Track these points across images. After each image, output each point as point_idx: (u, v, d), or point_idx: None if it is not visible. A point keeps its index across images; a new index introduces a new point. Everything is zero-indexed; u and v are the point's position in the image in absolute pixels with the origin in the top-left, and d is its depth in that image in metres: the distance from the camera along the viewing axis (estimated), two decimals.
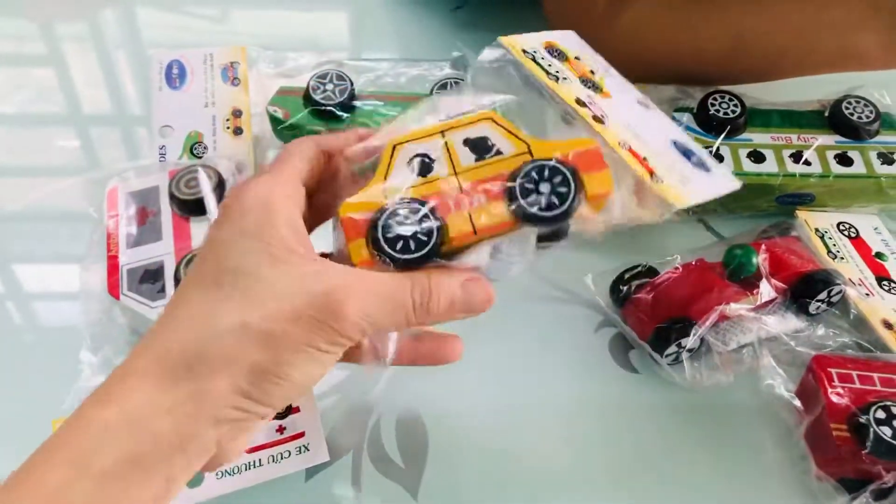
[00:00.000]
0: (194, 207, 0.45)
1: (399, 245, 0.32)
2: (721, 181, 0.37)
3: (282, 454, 0.40)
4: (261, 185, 0.33)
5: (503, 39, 0.42)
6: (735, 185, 0.37)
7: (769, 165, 0.52)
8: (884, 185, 0.52)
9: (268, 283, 0.31)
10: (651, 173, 0.36)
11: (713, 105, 0.54)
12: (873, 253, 0.51)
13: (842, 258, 0.49)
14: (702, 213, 0.53)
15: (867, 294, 0.47)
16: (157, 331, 0.31)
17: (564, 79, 0.39)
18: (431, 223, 0.33)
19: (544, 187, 0.33)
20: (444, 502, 0.41)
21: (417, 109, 0.36)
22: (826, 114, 0.54)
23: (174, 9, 0.70)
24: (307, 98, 0.53)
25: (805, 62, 0.54)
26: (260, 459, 0.40)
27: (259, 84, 0.56)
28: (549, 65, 0.40)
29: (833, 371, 0.42)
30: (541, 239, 0.35)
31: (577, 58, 0.41)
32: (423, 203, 0.33)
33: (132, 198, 0.47)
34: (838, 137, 0.53)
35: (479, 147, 0.34)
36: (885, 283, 0.49)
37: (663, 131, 0.38)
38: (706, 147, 0.52)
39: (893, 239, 0.52)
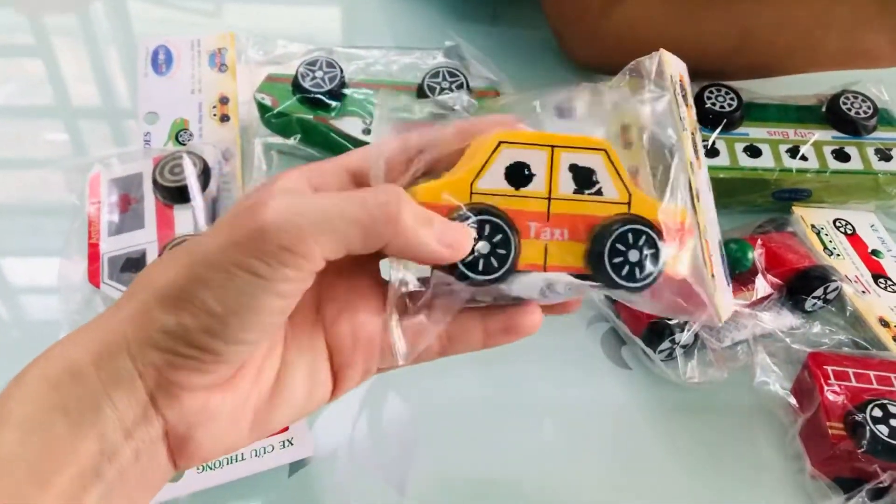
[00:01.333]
0: (178, 195, 0.44)
1: (469, 258, 0.29)
2: (726, 302, 0.33)
3: (265, 448, 0.39)
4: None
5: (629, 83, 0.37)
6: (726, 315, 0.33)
7: (765, 160, 0.51)
8: (881, 182, 0.51)
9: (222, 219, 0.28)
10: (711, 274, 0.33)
11: (709, 98, 0.53)
12: (869, 250, 0.50)
13: (838, 255, 0.49)
14: None
15: (863, 291, 0.47)
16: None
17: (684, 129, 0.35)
18: (509, 252, 0.30)
19: (633, 255, 0.31)
20: (432, 498, 0.40)
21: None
22: (823, 109, 0.54)
23: (165, 1, 0.69)
24: (296, 85, 0.52)
25: (812, 59, 0.54)
26: (242, 454, 0.39)
27: (247, 71, 0.55)
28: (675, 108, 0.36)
29: (829, 369, 0.41)
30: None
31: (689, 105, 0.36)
32: (510, 227, 0.30)
33: (114, 185, 0.45)
34: (835, 133, 0.53)
35: (583, 179, 0.32)
36: (881, 280, 0.48)
37: (714, 222, 0.34)
38: (702, 141, 0.51)
39: (890, 236, 0.51)
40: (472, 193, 0.30)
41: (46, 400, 0.26)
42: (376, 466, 0.41)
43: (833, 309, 0.47)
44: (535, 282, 0.31)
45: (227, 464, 0.38)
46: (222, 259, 0.26)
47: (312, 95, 0.52)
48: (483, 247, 0.30)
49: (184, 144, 0.51)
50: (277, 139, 0.53)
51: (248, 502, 0.39)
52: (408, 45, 0.57)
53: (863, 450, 0.37)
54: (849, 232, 0.51)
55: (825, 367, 0.41)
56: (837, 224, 0.51)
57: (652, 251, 0.31)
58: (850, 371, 0.41)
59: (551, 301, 0.32)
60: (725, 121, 0.52)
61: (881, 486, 0.38)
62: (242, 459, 0.38)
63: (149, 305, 0.27)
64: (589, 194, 0.32)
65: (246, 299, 0.26)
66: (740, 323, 0.44)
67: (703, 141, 0.51)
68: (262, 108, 0.52)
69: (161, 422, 0.27)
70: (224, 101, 0.54)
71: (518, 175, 0.31)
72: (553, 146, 0.32)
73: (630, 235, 0.31)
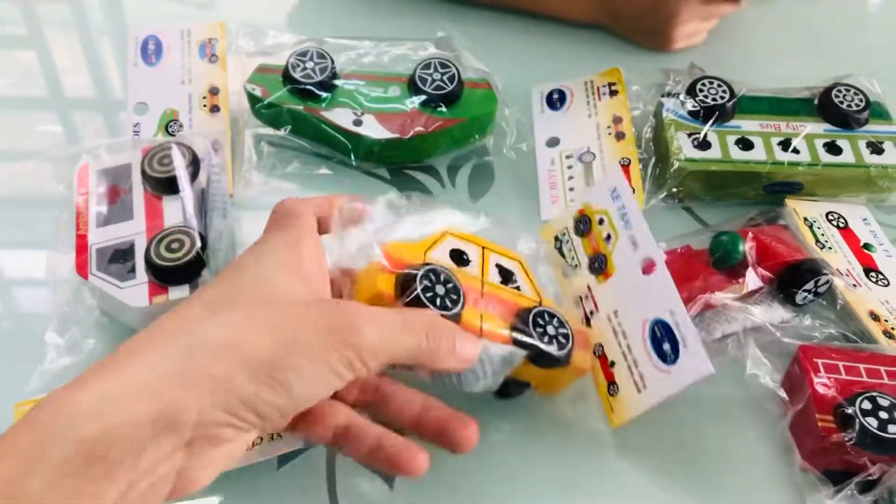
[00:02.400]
0: (167, 185, 0.43)
1: (429, 295, 0.35)
2: (684, 374, 0.38)
3: (254, 441, 0.39)
4: (289, 222, 0.35)
5: (543, 231, 0.47)
6: (701, 374, 0.38)
7: (757, 153, 0.51)
8: (873, 175, 0.51)
9: (297, 293, 0.32)
10: (611, 382, 0.41)
11: (701, 91, 0.53)
12: (861, 244, 0.50)
13: (830, 248, 0.49)
14: (688, 200, 0.52)
15: (854, 285, 0.47)
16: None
17: (576, 266, 0.45)
18: (459, 298, 0.36)
19: (551, 329, 0.38)
20: (421, 492, 0.40)
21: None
22: (815, 102, 0.54)
23: None
24: (286, 76, 0.52)
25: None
26: None
27: (237, 61, 0.55)
28: (570, 251, 0.45)
29: (819, 361, 0.41)
30: (504, 390, 0.39)
31: (600, 221, 0.44)
32: (458, 282, 0.37)
33: (103, 175, 0.45)
34: (827, 126, 0.53)
35: (506, 275, 0.40)
36: (872, 274, 0.48)
37: (651, 308, 0.40)
38: (693, 134, 0.51)
39: (882, 230, 0.51)
40: (425, 257, 0.38)
41: (76, 467, 0.26)
42: None
43: (824, 302, 0.47)
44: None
45: None
46: (319, 351, 0.30)
47: (303, 86, 0.51)
48: (440, 289, 0.36)
49: (173, 135, 0.51)
50: (268, 130, 0.53)
51: (237, 494, 0.39)
52: (398, 32, 0.56)
53: (852, 442, 0.37)
54: (841, 225, 0.51)
55: (815, 359, 0.41)
56: (830, 217, 0.51)
57: (564, 332, 0.39)
58: (840, 364, 0.41)
59: (479, 384, 0.37)
60: (717, 113, 0.52)
61: (870, 478, 0.38)
62: None
63: (233, 373, 0.28)
64: (511, 286, 0.40)
65: (323, 392, 0.31)
66: (731, 316, 0.44)
67: (696, 133, 0.51)
68: (253, 99, 0.52)
69: (183, 460, 0.28)
70: (214, 91, 0.53)
71: (459, 257, 0.39)
72: (483, 247, 0.40)
73: (546, 315, 0.39)
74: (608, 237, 0.43)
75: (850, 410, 0.38)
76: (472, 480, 0.40)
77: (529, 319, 0.38)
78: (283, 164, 0.53)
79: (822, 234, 0.49)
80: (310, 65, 0.52)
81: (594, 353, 0.42)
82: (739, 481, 0.41)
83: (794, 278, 0.45)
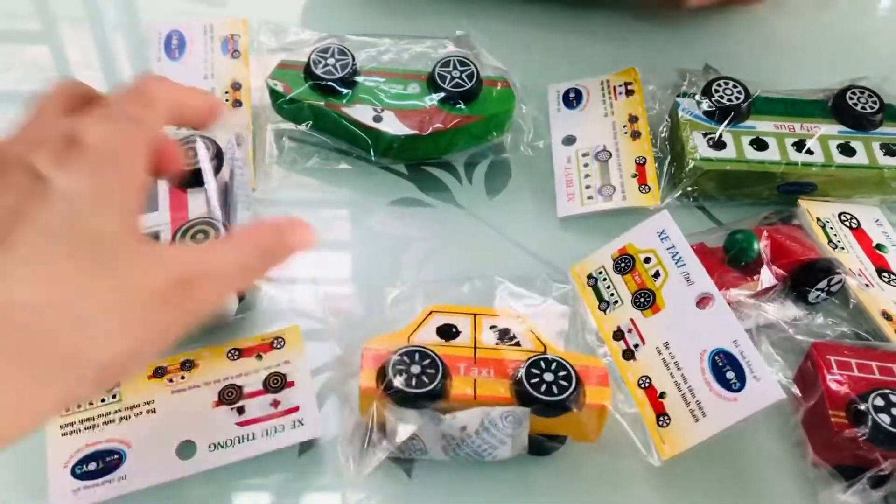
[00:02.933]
0: (191, 178, 0.44)
1: (402, 378, 0.37)
2: (754, 400, 0.39)
3: (276, 428, 0.39)
4: (118, 136, 0.30)
5: (574, 271, 0.47)
6: (773, 398, 0.38)
7: (772, 153, 0.52)
8: (886, 177, 0.51)
9: (130, 260, 0.28)
10: (661, 414, 0.40)
11: (717, 91, 0.53)
12: (874, 244, 0.50)
13: (842, 248, 0.49)
14: (702, 199, 0.53)
15: (867, 285, 0.47)
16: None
17: (616, 303, 0.45)
18: (438, 371, 0.37)
19: (548, 376, 0.38)
20: (439, 480, 0.41)
21: None
22: (829, 103, 0.54)
23: None
24: (308, 72, 0.52)
25: None
26: (253, 433, 0.39)
27: (259, 57, 0.55)
28: (608, 288, 0.45)
29: (832, 358, 0.42)
30: (539, 447, 0.40)
31: (646, 259, 0.44)
32: (436, 355, 0.38)
33: None
34: (841, 127, 0.53)
35: (502, 334, 0.41)
36: (884, 274, 0.49)
37: (711, 339, 0.41)
38: (708, 133, 0.52)
39: (894, 231, 0.52)
40: (409, 341, 0.39)
41: None
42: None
43: (836, 301, 0.47)
44: (474, 414, 0.37)
45: (239, 443, 0.39)
46: (162, 337, 0.29)
47: (324, 82, 0.52)
48: (415, 369, 0.37)
49: (195, 129, 0.52)
50: (288, 125, 0.54)
51: (258, 481, 0.40)
52: (418, 29, 0.57)
53: (865, 438, 0.38)
54: (853, 226, 0.51)
55: (828, 356, 0.42)
56: (843, 218, 0.51)
57: (564, 373, 0.38)
58: (853, 361, 0.42)
59: (500, 450, 0.38)
60: (733, 114, 0.52)
61: (882, 473, 0.38)
62: (253, 439, 0.39)
63: (80, 385, 0.27)
64: (509, 344, 0.40)
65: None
66: (744, 313, 0.45)
67: (711, 133, 0.52)
68: (275, 95, 0.53)
69: None
70: (236, 86, 0.54)
71: (447, 332, 0.40)
72: (475, 314, 0.41)
73: (542, 363, 0.38)
74: (656, 274, 0.44)
75: (863, 406, 0.39)
76: (490, 475, 0.41)
77: (523, 373, 0.38)
78: (304, 158, 0.54)
79: (835, 235, 0.50)
80: (331, 61, 0.53)
81: (639, 384, 0.41)
82: (751, 475, 0.41)
83: (807, 277, 0.46)
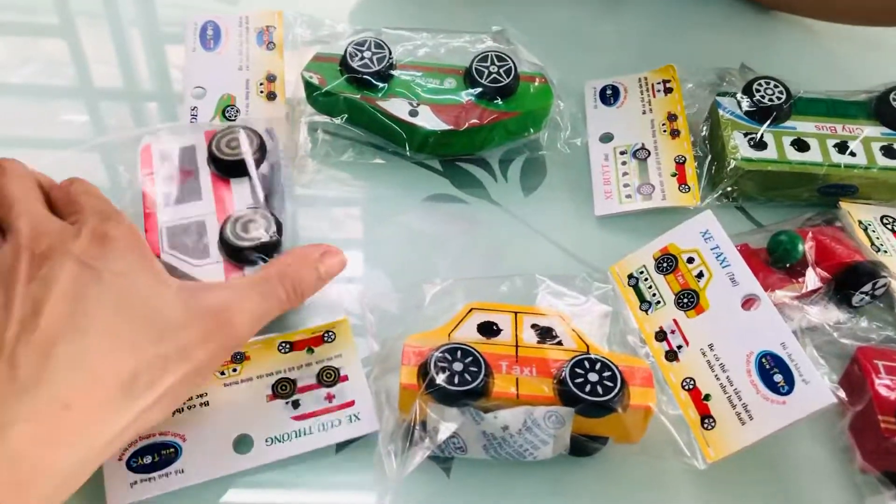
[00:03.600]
0: (234, 168, 0.44)
1: (444, 376, 0.36)
2: (803, 404, 0.38)
3: (332, 422, 0.39)
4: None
5: (614, 270, 0.46)
6: (823, 402, 0.37)
7: (813, 154, 0.51)
8: None
9: (171, 314, 0.35)
10: (705, 416, 0.39)
11: (758, 91, 0.53)
12: None
13: (885, 252, 0.48)
14: (741, 200, 0.52)
15: None
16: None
17: (658, 303, 0.44)
18: (480, 369, 0.37)
19: (592, 377, 0.37)
20: (477, 479, 0.40)
21: None
22: (872, 105, 0.53)
23: None
24: (344, 65, 0.52)
25: None
26: (310, 427, 0.39)
27: (295, 49, 0.55)
28: (650, 288, 0.44)
29: (879, 363, 0.41)
30: (580, 448, 0.39)
31: (689, 259, 0.43)
32: (478, 353, 0.37)
33: (168, 156, 0.45)
34: (885, 129, 0.52)
35: (544, 333, 0.40)
36: None
37: (758, 341, 0.40)
38: (749, 133, 0.51)
39: None
40: (449, 338, 0.39)
41: None
42: None
43: (881, 305, 0.46)
44: (517, 413, 0.37)
45: (296, 437, 0.39)
46: (208, 368, 0.36)
47: (360, 76, 0.51)
48: (457, 366, 0.37)
49: (231, 120, 0.51)
50: (322, 118, 0.53)
51: (294, 479, 0.40)
52: (455, 24, 0.56)
53: None
54: None
55: (875, 361, 0.41)
56: (885, 221, 0.50)
57: (608, 374, 0.37)
58: None
59: (542, 449, 0.38)
60: (774, 114, 0.52)
61: None
62: (310, 433, 0.39)
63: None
64: (551, 343, 0.40)
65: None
66: (787, 315, 0.44)
67: (752, 133, 0.51)
68: (310, 87, 0.52)
69: None
70: (271, 78, 0.54)
71: (488, 330, 0.40)
72: (515, 312, 0.41)
73: (586, 363, 0.38)
74: (700, 275, 0.43)
75: None
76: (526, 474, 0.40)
77: (567, 372, 0.37)
78: (338, 152, 0.53)
79: (878, 238, 0.49)
80: (367, 54, 0.52)
81: (683, 386, 0.41)
82: (797, 481, 0.41)
83: (851, 280, 0.45)
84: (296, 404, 0.40)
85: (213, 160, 0.44)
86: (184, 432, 0.38)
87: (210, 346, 0.35)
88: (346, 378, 0.41)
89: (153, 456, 0.37)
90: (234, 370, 0.41)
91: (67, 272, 0.33)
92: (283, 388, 0.40)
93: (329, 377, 0.41)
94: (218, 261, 0.41)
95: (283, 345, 0.42)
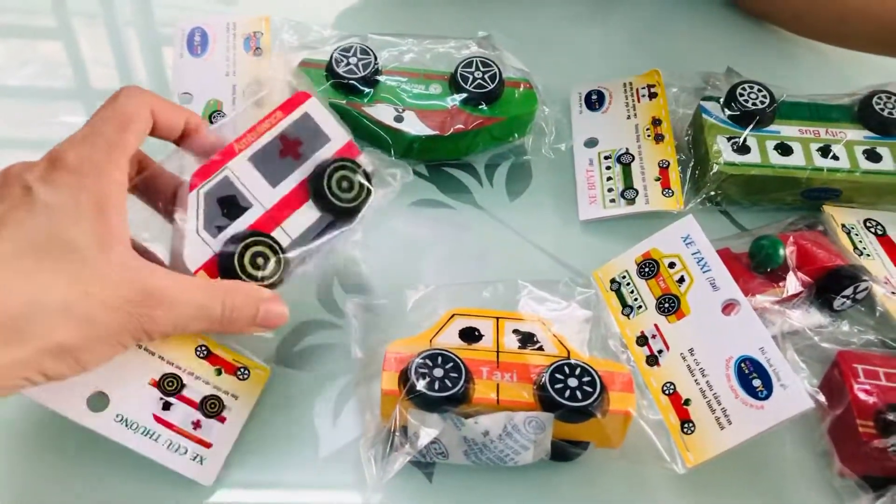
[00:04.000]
0: (327, 205, 0.43)
1: (425, 382, 0.37)
2: (780, 409, 0.38)
3: (178, 446, 0.38)
4: (97, 154, 0.35)
5: (596, 275, 0.46)
6: (801, 407, 0.38)
7: (796, 158, 0.51)
8: None
9: (96, 266, 0.33)
10: (685, 421, 0.40)
11: (741, 95, 0.53)
12: None
13: (868, 255, 0.49)
14: (725, 204, 0.53)
15: (893, 293, 0.47)
16: None
17: (639, 308, 0.44)
18: (461, 375, 0.37)
19: (572, 382, 0.37)
20: (459, 484, 0.40)
21: None
22: (855, 108, 0.54)
23: None
24: (330, 71, 0.52)
25: None
26: (159, 435, 0.38)
27: (281, 55, 0.55)
28: (632, 292, 0.44)
29: (859, 367, 0.41)
30: (561, 453, 0.39)
31: (671, 264, 0.44)
32: (459, 359, 0.38)
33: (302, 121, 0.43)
34: (867, 133, 0.53)
35: (525, 338, 0.40)
36: None
37: (737, 346, 0.40)
38: (732, 138, 0.51)
39: None
40: (431, 344, 0.39)
41: None
42: None
43: (862, 309, 0.47)
44: (497, 419, 0.37)
45: (142, 433, 0.38)
46: (114, 334, 0.33)
47: (346, 81, 0.52)
48: (437, 372, 0.37)
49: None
50: None
51: (277, 478, 0.40)
52: (440, 30, 0.57)
53: (893, 448, 0.38)
54: (879, 233, 0.51)
55: (855, 365, 0.41)
56: (868, 224, 0.51)
57: (588, 379, 0.37)
58: (881, 370, 0.41)
59: (523, 455, 0.38)
60: (757, 118, 0.52)
61: None
62: (154, 440, 0.38)
63: (39, 357, 0.32)
64: (532, 348, 0.40)
65: (110, 358, 0.34)
66: (768, 319, 0.44)
67: (735, 137, 0.51)
68: None
69: None
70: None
71: (469, 335, 0.40)
72: (497, 318, 0.41)
73: (566, 368, 0.38)
74: (681, 279, 0.43)
75: (891, 416, 0.38)
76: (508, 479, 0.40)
77: (547, 378, 0.37)
78: None
79: (861, 241, 0.49)
80: (353, 60, 0.52)
81: (663, 391, 0.41)
82: (777, 485, 0.41)
83: (833, 284, 0.45)
84: (166, 406, 0.38)
85: (318, 191, 0.42)
86: None
87: (119, 318, 0.33)
88: (223, 420, 0.40)
89: None
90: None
91: (7, 193, 0.33)
92: (169, 384, 0.39)
93: (212, 407, 0.39)
94: (211, 252, 0.39)
95: (202, 348, 0.40)
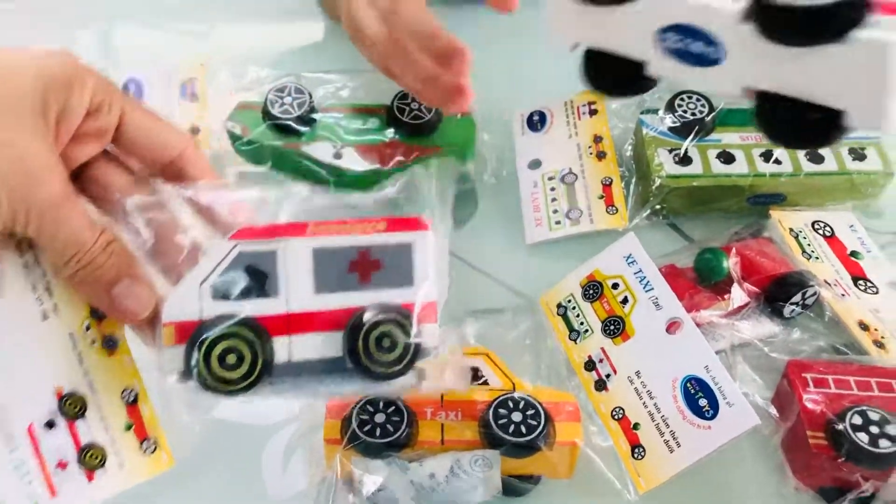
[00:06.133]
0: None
1: (366, 428, 0.36)
2: (727, 428, 0.38)
3: (25, 473, 0.34)
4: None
5: (543, 300, 0.46)
6: (747, 425, 0.37)
7: (739, 166, 0.51)
8: (856, 182, 0.51)
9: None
10: (635, 446, 0.39)
11: (680, 106, 0.53)
12: (848, 252, 0.50)
13: (816, 258, 0.48)
14: (671, 217, 0.52)
15: (843, 294, 0.46)
16: None
17: (586, 331, 0.44)
18: (403, 419, 0.36)
19: (516, 416, 0.37)
20: None
21: None
22: None
23: (155, 26, 0.68)
24: (265, 113, 0.52)
25: None
26: (17, 448, 0.34)
27: (219, 99, 0.55)
28: (578, 316, 0.44)
29: (808, 376, 0.41)
30: (513, 489, 0.38)
31: (614, 285, 0.43)
32: (401, 402, 0.37)
33: None
34: None
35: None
36: (860, 282, 0.48)
37: (683, 366, 0.40)
38: (673, 150, 0.51)
39: (869, 235, 0.51)
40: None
41: None
42: None
43: (812, 314, 0.46)
44: (442, 460, 0.36)
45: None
46: None
47: (282, 122, 0.51)
48: (379, 417, 0.36)
49: None
50: (251, 167, 0.53)
51: None
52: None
53: (844, 459, 0.37)
54: (827, 234, 0.50)
55: (804, 374, 0.41)
56: (816, 226, 0.50)
57: (532, 412, 0.37)
58: (830, 378, 0.41)
59: (472, 495, 0.38)
60: (697, 128, 0.52)
61: (864, 495, 0.37)
62: (20, 455, 0.34)
63: None
64: (476, 384, 0.39)
65: None
66: (718, 333, 0.44)
67: (676, 149, 0.51)
68: (233, 137, 0.52)
69: None
70: (195, 131, 0.53)
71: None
72: None
73: (510, 402, 0.37)
74: (625, 300, 0.43)
75: (840, 426, 0.38)
76: None
77: (490, 414, 0.37)
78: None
79: (809, 244, 0.49)
80: (288, 100, 0.52)
81: (613, 416, 0.40)
82: (733, 501, 0.40)
83: (780, 292, 0.45)
84: (50, 425, 0.34)
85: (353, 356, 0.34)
86: None
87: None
88: (91, 478, 0.35)
89: None
90: (92, 342, 0.35)
91: None
92: (71, 405, 0.34)
93: (92, 458, 0.35)
94: (198, 316, 0.33)
95: (129, 393, 0.36)
